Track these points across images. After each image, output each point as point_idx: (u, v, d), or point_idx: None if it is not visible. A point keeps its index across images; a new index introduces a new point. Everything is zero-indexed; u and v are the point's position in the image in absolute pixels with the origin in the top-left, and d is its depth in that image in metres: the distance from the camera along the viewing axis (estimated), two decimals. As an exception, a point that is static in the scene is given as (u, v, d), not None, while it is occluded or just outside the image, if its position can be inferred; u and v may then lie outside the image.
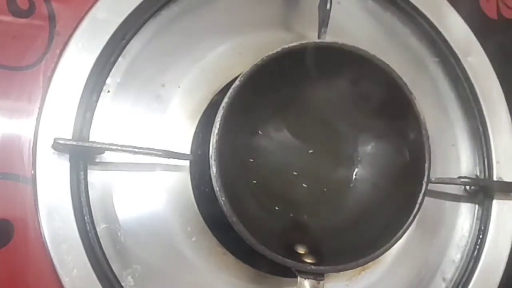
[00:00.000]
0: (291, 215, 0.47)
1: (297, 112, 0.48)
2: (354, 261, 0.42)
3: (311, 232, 0.46)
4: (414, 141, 0.45)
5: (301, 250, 0.43)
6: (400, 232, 0.43)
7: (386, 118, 0.46)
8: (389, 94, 0.45)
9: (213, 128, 0.40)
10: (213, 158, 0.40)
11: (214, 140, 0.40)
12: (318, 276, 0.41)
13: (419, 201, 0.43)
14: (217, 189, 0.39)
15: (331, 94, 0.47)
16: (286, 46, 0.42)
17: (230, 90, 0.41)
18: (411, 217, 0.43)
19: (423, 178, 0.44)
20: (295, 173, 0.47)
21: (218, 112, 0.41)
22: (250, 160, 0.47)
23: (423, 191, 0.44)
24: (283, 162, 0.47)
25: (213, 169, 0.40)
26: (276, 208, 0.46)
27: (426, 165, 0.44)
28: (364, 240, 0.44)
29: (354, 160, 0.49)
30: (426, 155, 0.44)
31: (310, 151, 0.48)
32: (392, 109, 0.45)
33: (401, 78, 0.44)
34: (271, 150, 0.47)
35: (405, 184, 0.45)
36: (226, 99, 0.41)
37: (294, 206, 0.47)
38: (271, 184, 0.47)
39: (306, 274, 0.41)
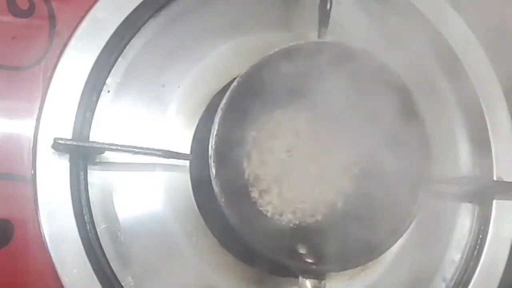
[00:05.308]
0: (291, 215, 0.47)
1: (296, 113, 0.48)
2: (355, 261, 0.42)
3: (311, 232, 0.46)
4: (414, 141, 0.45)
5: (302, 250, 0.43)
6: (401, 231, 0.43)
7: (386, 118, 0.46)
8: (389, 94, 0.45)
9: (212, 129, 0.40)
10: (212, 158, 0.40)
11: (213, 141, 0.40)
12: (319, 276, 0.41)
13: (419, 201, 0.43)
14: (217, 190, 0.39)
15: (331, 94, 0.47)
16: (285, 46, 0.42)
17: (228, 92, 0.41)
18: (411, 217, 0.43)
19: (423, 178, 0.44)
20: (294, 173, 0.47)
21: (217, 113, 0.41)
22: (250, 161, 0.47)
23: (423, 191, 0.43)
24: (282, 163, 0.47)
25: (213, 171, 0.40)
26: (276, 208, 0.46)
27: (426, 165, 0.44)
28: (364, 240, 0.44)
29: (355, 161, 0.49)
30: (426, 155, 0.44)
31: (312, 153, 0.48)
32: (392, 109, 0.45)
33: (400, 77, 0.44)
34: (270, 151, 0.47)
35: (405, 184, 0.45)
36: (224, 100, 0.41)
37: (294, 207, 0.47)
38: (270, 185, 0.47)
39: (307, 274, 0.41)
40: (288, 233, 0.46)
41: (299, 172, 0.47)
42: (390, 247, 0.43)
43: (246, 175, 0.46)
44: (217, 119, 0.40)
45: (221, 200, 0.39)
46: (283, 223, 0.46)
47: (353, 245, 0.43)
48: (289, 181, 0.47)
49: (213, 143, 0.40)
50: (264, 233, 0.42)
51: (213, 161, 0.40)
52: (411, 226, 0.43)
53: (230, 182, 0.41)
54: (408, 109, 0.45)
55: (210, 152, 0.40)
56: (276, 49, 0.42)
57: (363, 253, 0.42)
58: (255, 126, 0.47)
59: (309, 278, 0.41)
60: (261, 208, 0.46)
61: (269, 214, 0.46)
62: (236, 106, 0.41)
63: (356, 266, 0.43)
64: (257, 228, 0.41)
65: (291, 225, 0.47)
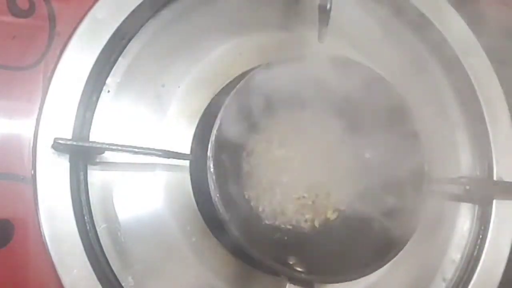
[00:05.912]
0: (286, 220, 0.47)
1: (297, 120, 0.48)
2: (347, 275, 0.41)
3: (305, 240, 0.46)
4: (412, 143, 0.44)
5: (292, 256, 0.43)
6: (396, 249, 0.42)
7: (383, 122, 0.46)
8: (386, 105, 0.44)
9: (212, 129, 0.40)
10: (211, 160, 0.40)
11: (213, 141, 0.40)
12: (307, 284, 0.41)
13: (420, 207, 0.43)
14: (213, 188, 0.39)
15: (330, 103, 0.47)
16: (295, 57, 0.43)
17: (233, 91, 0.41)
18: (406, 238, 0.43)
19: (422, 187, 0.44)
20: (291, 179, 0.47)
21: (219, 113, 0.40)
22: (248, 164, 0.46)
23: (423, 199, 0.43)
24: (280, 168, 0.47)
25: (212, 180, 0.39)
26: (271, 212, 0.46)
27: (424, 173, 0.44)
28: (358, 255, 0.43)
29: (352, 169, 0.48)
30: (423, 163, 0.44)
31: (310, 159, 0.48)
32: (388, 112, 0.45)
33: (395, 88, 0.44)
34: (270, 156, 0.47)
35: (406, 188, 0.45)
36: (227, 100, 0.41)
37: (289, 212, 0.47)
38: (267, 189, 0.47)
39: (295, 281, 0.40)
40: (281, 238, 0.46)
41: (296, 178, 0.47)
42: (384, 264, 0.42)
43: (243, 178, 0.46)
44: (218, 119, 0.40)
45: (216, 197, 0.39)
46: (277, 227, 0.46)
47: (346, 259, 0.43)
48: (286, 187, 0.47)
49: (213, 142, 0.40)
50: (257, 235, 0.41)
51: (212, 162, 0.40)
52: (411, 226, 0.43)
53: (227, 183, 0.41)
54: (404, 120, 0.44)
55: (209, 152, 0.40)
56: (283, 57, 0.42)
57: (356, 268, 0.42)
58: (255, 128, 0.47)
59: (297, 285, 0.40)
60: (256, 211, 0.46)
61: (264, 217, 0.46)
62: (239, 107, 0.41)
63: (347, 280, 0.42)
64: (251, 230, 0.41)
65: (285, 230, 0.46)
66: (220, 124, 0.40)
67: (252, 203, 0.46)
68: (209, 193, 0.40)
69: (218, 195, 0.39)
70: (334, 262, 0.42)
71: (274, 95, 0.45)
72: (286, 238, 0.46)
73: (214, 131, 0.40)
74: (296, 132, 0.48)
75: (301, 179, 0.47)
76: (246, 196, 0.46)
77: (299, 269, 0.41)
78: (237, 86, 0.41)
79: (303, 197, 0.47)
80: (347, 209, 0.48)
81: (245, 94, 0.41)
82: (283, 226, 0.46)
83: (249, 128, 0.46)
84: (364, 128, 0.47)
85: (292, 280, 0.40)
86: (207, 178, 0.40)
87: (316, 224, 0.47)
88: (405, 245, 0.43)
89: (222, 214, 0.39)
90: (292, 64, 0.43)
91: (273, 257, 0.40)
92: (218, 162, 0.40)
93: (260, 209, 0.46)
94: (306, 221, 0.47)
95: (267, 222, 0.46)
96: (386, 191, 0.45)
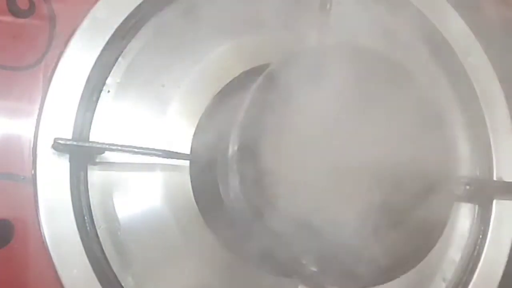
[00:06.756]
0: (306, 218, 0.46)
1: (315, 114, 0.47)
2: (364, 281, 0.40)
3: (324, 240, 0.45)
4: (436, 141, 0.44)
5: (308, 255, 0.42)
6: (423, 253, 0.41)
7: (405, 117, 0.45)
8: (405, 92, 0.43)
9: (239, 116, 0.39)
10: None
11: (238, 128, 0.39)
12: (319, 286, 0.40)
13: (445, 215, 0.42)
14: (234, 170, 0.38)
15: (350, 95, 0.46)
16: (307, 49, 0.42)
17: (260, 80, 0.39)
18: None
19: (449, 183, 0.43)
20: (311, 176, 0.46)
21: (245, 101, 0.39)
22: (268, 156, 0.45)
23: (450, 204, 0.43)
24: (299, 167, 0.46)
25: (234, 153, 0.38)
26: (291, 208, 0.46)
27: (452, 166, 0.43)
28: (383, 255, 0.42)
29: (373, 165, 0.48)
30: (451, 154, 0.43)
31: (329, 155, 0.47)
32: (411, 108, 0.44)
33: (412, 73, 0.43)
34: (290, 150, 0.46)
35: (431, 193, 0.44)
36: (255, 86, 0.39)
37: (310, 210, 0.46)
38: (288, 185, 0.46)
39: (308, 281, 0.40)
40: (299, 236, 0.45)
41: (315, 175, 0.46)
42: (402, 274, 0.41)
43: (263, 170, 0.45)
44: (242, 112, 0.39)
45: (238, 186, 0.38)
46: (297, 225, 0.45)
47: (362, 264, 0.41)
48: (304, 183, 0.46)
49: (237, 131, 0.39)
50: (275, 232, 0.41)
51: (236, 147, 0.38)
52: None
53: (244, 176, 0.40)
54: (427, 108, 0.43)
55: (230, 151, 0.39)
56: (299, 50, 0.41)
57: (371, 275, 0.40)
58: (273, 123, 0.46)
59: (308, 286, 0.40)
60: (272, 206, 0.45)
61: (283, 213, 0.45)
62: (260, 99, 0.40)
63: (360, 286, 0.40)
64: (270, 226, 0.40)
65: (298, 228, 0.45)
66: (244, 119, 0.39)
67: (268, 198, 0.45)
68: (210, 193, 0.40)
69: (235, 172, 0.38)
70: (349, 266, 0.41)
71: (292, 89, 0.44)
72: (299, 236, 0.45)
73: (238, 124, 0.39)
74: (315, 127, 0.47)
75: (320, 176, 0.46)
76: (267, 190, 0.45)
77: (312, 268, 0.40)
78: (258, 81, 0.39)
79: (321, 195, 0.46)
80: (368, 211, 0.47)
81: (266, 88, 0.40)
82: (296, 223, 0.45)
83: (268, 122, 0.45)
84: (382, 123, 0.45)
85: (303, 280, 0.40)
86: (207, 178, 0.40)
87: (334, 224, 0.46)
88: (426, 255, 0.41)
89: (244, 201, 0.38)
90: (308, 57, 0.42)
91: (289, 255, 0.40)
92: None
93: (276, 204, 0.45)
94: (322, 221, 0.46)
95: (286, 218, 0.45)
96: (411, 193, 0.43)
